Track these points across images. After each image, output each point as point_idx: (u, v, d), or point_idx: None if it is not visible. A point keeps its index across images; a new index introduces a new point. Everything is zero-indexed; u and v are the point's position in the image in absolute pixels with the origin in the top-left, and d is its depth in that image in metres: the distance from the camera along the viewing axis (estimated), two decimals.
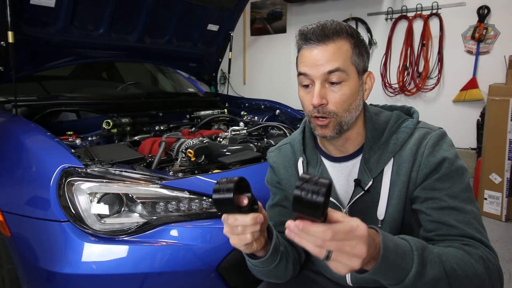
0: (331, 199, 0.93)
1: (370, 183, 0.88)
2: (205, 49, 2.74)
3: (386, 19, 4.10)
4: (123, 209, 1.21)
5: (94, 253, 1.14)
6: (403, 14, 3.96)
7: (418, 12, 3.85)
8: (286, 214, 1.06)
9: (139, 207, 1.22)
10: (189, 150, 1.63)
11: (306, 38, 0.83)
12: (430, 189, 0.83)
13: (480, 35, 3.51)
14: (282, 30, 5.02)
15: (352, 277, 0.97)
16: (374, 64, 4.09)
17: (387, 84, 4.14)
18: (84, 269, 1.12)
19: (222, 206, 0.70)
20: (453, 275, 0.70)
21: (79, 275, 1.12)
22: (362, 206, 0.91)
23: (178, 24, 2.38)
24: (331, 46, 0.82)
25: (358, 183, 0.90)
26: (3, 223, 1.28)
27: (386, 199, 0.88)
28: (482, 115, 3.33)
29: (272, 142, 1.90)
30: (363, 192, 0.89)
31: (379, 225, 0.89)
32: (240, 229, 0.72)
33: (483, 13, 3.51)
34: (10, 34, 1.64)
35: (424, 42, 3.83)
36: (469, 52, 3.66)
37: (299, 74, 0.87)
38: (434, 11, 3.77)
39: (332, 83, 0.83)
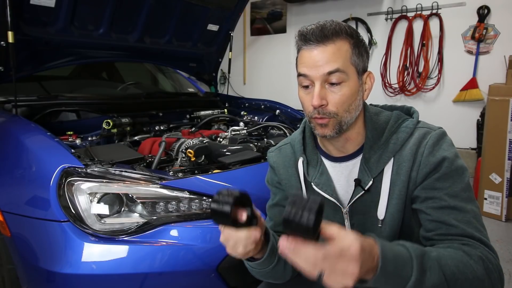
0: (331, 199, 0.93)
1: (370, 182, 0.88)
2: (205, 49, 2.73)
3: (386, 19, 4.10)
4: (123, 209, 1.21)
5: (94, 253, 1.14)
6: (403, 14, 3.96)
7: (418, 12, 3.85)
8: None
9: (139, 207, 1.22)
10: (189, 150, 1.63)
11: (306, 39, 0.83)
12: (430, 188, 0.83)
13: (480, 35, 3.51)
14: (282, 30, 5.02)
15: None
16: (374, 64, 4.09)
17: (387, 84, 4.14)
18: (84, 269, 1.12)
19: (218, 218, 0.69)
20: (453, 279, 0.70)
21: (79, 275, 1.12)
22: (362, 206, 0.91)
23: (178, 24, 2.38)
24: (331, 46, 0.82)
25: (358, 183, 0.90)
26: (3, 223, 1.28)
27: (386, 198, 0.88)
28: (482, 115, 3.33)
29: (272, 142, 1.90)
30: (363, 192, 0.89)
31: (379, 225, 0.89)
32: (231, 243, 0.74)
33: (483, 13, 3.50)
34: (10, 34, 1.64)
35: (424, 42, 3.83)
36: (469, 52, 3.66)
37: (299, 75, 0.87)
38: (434, 11, 3.77)
39: (332, 84, 0.83)
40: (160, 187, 1.25)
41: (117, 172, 1.25)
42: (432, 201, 0.83)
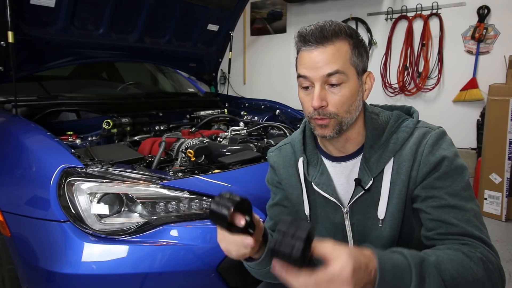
0: (331, 198, 0.93)
1: (371, 182, 0.88)
2: (205, 49, 2.73)
3: (386, 19, 4.10)
4: (123, 209, 1.21)
5: (94, 253, 1.14)
6: (403, 14, 3.96)
7: (418, 12, 3.85)
8: (286, 213, 1.06)
9: (139, 207, 1.22)
10: (189, 150, 1.63)
11: (305, 40, 0.83)
12: (430, 187, 0.83)
13: (480, 35, 3.51)
14: (282, 30, 5.02)
15: None
16: (374, 64, 4.09)
17: (387, 84, 4.14)
18: (84, 269, 1.12)
19: (216, 219, 0.70)
20: (453, 284, 0.70)
21: (79, 275, 1.11)
22: (362, 206, 0.91)
23: (178, 24, 2.38)
24: (330, 48, 0.82)
25: (358, 182, 0.90)
26: (3, 223, 1.28)
27: (386, 198, 0.88)
28: (482, 115, 3.33)
29: (272, 142, 1.90)
30: (363, 191, 0.89)
31: (380, 224, 0.89)
32: (223, 245, 0.76)
33: (483, 13, 3.50)
34: (10, 34, 1.64)
35: (424, 42, 3.83)
36: (469, 52, 3.66)
37: (299, 76, 0.87)
38: (434, 11, 3.77)
39: (332, 85, 0.83)
40: (160, 187, 1.25)
41: (117, 172, 1.25)
42: (432, 200, 0.83)
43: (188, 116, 2.47)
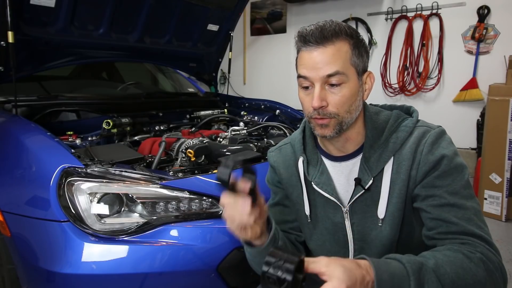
0: (331, 198, 0.93)
1: (371, 182, 0.88)
2: (205, 49, 2.73)
3: (386, 19, 4.10)
4: (123, 209, 1.21)
5: (94, 253, 1.14)
6: (403, 14, 3.96)
7: (418, 12, 3.85)
8: (287, 213, 1.06)
9: (139, 207, 1.22)
10: (189, 150, 1.63)
11: (305, 40, 0.83)
12: (430, 186, 0.83)
13: (480, 35, 3.51)
14: (282, 30, 5.02)
15: None
16: (374, 64, 4.09)
17: (387, 84, 4.14)
18: (84, 269, 1.12)
19: (222, 173, 0.72)
20: (452, 287, 0.70)
21: (79, 275, 1.11)
22: (362, 205, 0.91)
23: (178, 24, 2.38)
24: (330, 48, 0.82)
25: (358, 182, 0.90)
26: (3, 223, 1.28)
27: (386, 197, 0.88)
28: (482, 115, 3.33)
29: (272, 142, 1.90)
30: (363, 191, 0.89)
31: (380, 224, 0.89)
32: (228, 211, 0.77)
33: (483, 13, 3.50)
34: (10, 34, 1.64)
35: (424, 42, 3.83)
36: (469, 52, 3.66)
37: (299, 76, 0.87)
38: (434, 11, 3.77)
39: (332, 85, 0.83)
40: (160, 187, 1.24)
41: (117, 172, 1.25)
42: (432, 199, 0.83)
43: (188, 116, 2.47)
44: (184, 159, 1.69)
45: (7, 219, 1.28)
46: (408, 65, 3.95)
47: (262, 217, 0.80)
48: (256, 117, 2.57)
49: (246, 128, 2.17)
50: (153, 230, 1.20)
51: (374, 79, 0.92)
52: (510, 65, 2.88)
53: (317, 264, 0.62)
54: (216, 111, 2.54)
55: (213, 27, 2.60)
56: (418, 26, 3.89)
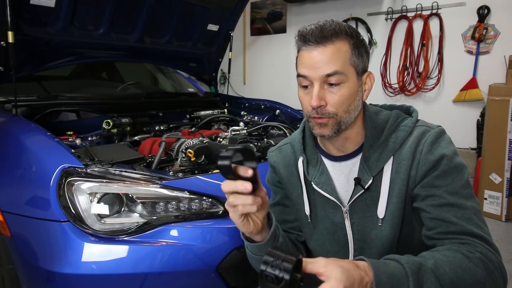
0: (331, 198, 0.93)
1: (370, 181, 0.88)
2: (205, 49, 2.73)
3: (386, 19, 4.10)
4: (123, 209, 1.21)
5: (94, 253, 1.14)
6: (403, 14, 3.96)
7: (418, 12, 3.85)
8: (287, 212, 1.06)
9: (139, 207, 1.22)
10: (189, 150, 1.63)
11: (305, 39, 0.83)
12: (430, 186, 0.83)
13: (480, 35, 3.51)
14: (282, 30, 5.02)
15: None
16: (374, 64, 4.10)
17: (387, 84, 4.14)
18: (84, 269, 1.12)
19: (224, 160, 0.71)
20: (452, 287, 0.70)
21: (79, 275, 1.11)
22: (362, 205, 0.91)
23: (178, 24, 2.38)
24: (330, 47, 0.82)
25: (358, 181, 0.90)
26: (3, 223, 1.28)
27: (386, 197, 0.88)
28: (482, 115, 3.33)
29: (272, 142, 1.90)
30: (363, 190, 0.89)
31: (379, 224, 0.89)
32: (231, 199, 0.75)
33: (483, 13, 3.51)
34: (10, 34, 1.64)
35: (424, 42, 3.83)
36: (469, 52, 3.66)
37: (298, 75, 0.87)
38: (434, 11, 3.77)
39: (331, 85, 0.83)
40: (160, 187, 1.24)
41: (117, 172, 1.25)
42: (432, 199, 0.83)
43: (188, 116, 2.47)
44: (184, 159, 1.69)
45: (7, 219, 1.28)
46: (408, 65, 3.95)
47: (264, 208, 0.80)
48: (256, 117, 2.57)
49: (246, 128, 2.17)
50: (153, 230, 1.20)
51: (374, 79, 0.92)
52: (510, 65, 2.88)
53: (315, 265, 0.62)
54: (216, 111, 2.54)
55: (213, 27, 2.60)
56: (418, 26, 3.89)
